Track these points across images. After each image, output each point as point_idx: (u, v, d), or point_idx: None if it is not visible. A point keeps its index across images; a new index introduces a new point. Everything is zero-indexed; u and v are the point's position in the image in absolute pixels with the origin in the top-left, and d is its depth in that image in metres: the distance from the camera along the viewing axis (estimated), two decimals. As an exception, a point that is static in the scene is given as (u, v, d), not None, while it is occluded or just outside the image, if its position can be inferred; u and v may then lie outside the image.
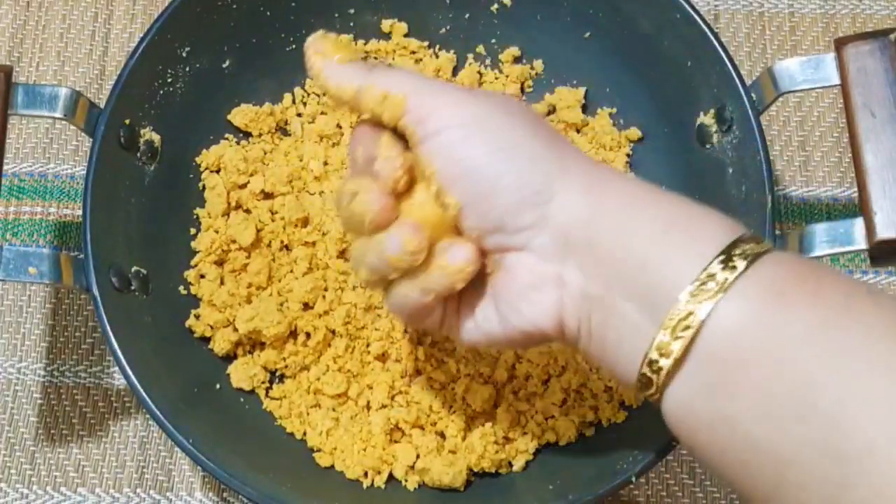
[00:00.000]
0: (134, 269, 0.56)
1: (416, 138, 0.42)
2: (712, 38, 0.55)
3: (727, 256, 0.37)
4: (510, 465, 0.56)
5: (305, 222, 0.59)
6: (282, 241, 0.59)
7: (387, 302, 0.45)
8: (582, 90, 0.62)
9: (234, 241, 0.58)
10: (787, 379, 0.35)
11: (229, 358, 0.58)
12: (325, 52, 0.44)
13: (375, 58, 0.64)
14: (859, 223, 0.50)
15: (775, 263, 0.37)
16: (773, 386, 0.35)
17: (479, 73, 0.63)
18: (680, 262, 0.38)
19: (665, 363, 0.37)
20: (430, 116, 0.41)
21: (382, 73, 0.43)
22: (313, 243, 0.59)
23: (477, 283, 0.44)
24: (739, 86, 0.54)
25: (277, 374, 0.58)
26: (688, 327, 0.37)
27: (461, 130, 0.41)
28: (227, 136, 0.62)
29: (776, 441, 0.35)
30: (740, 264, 0.37)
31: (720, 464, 0.38)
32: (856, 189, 0.52)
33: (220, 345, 0.57)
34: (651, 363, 0.38)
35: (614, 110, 0.62)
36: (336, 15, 0.62)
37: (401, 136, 0.43)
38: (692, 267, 0.37)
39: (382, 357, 0.57)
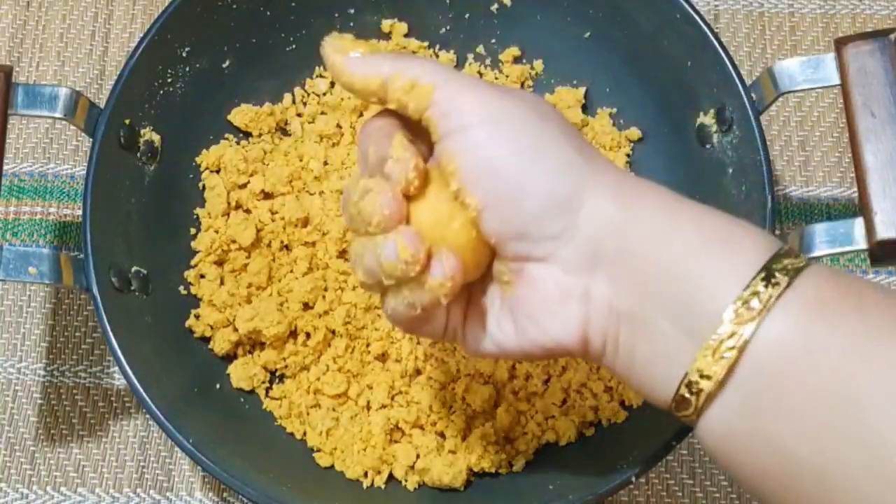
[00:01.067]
0: (134, 269, 0.56)
1: (439, 133, 0.39)
2: (712, 38, 0.55)
3: (769, 272, 0.36)
4: (510, 465, 0.56)
5: (305, 222, 0.59)
6: (282, 241, 0.59)
7: (383, 309, 0.43)
8: (582, 90, 0.62)
9: (234, 241, 0.58)
10: (832, 396, 0.34)
11: (229, 358, 0.58)
12: (343, 50, 0.41)
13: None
14: (859, 223, 0.50)
15: (816, 278, 0.36)
16: (818, 404, 0.34)
17: (479, 73, 0.63)
18: (721, 277, 0.36)
19: (706, 385, 0.36)
20: (455, 111, 0.39)
21: (409, 62, 0.40)
22: (313, 243, 0.59)
23: (488, 292, 0.42)
24: (739, 86, 0.54)
25: (277, 374, 0.58)
26: (732, 348, 0.35)
27: (487, 127, 0.39)
28: (227, 136, 0.62)
29: (822, 461, 0.34)
30: (783, 280, 0.35)
31: (761, 485, 0.36)
32: (856, 189, 0.52)
33: (220, 345, 0.57)
34: (690, 384, 0.36)
35: (614, 110, 0.62)
36: (336, 15, 0.62)
37: (415, 136, 0.41)
38: (734, 283, 0.36)
39: (382, 357, 0.57)
